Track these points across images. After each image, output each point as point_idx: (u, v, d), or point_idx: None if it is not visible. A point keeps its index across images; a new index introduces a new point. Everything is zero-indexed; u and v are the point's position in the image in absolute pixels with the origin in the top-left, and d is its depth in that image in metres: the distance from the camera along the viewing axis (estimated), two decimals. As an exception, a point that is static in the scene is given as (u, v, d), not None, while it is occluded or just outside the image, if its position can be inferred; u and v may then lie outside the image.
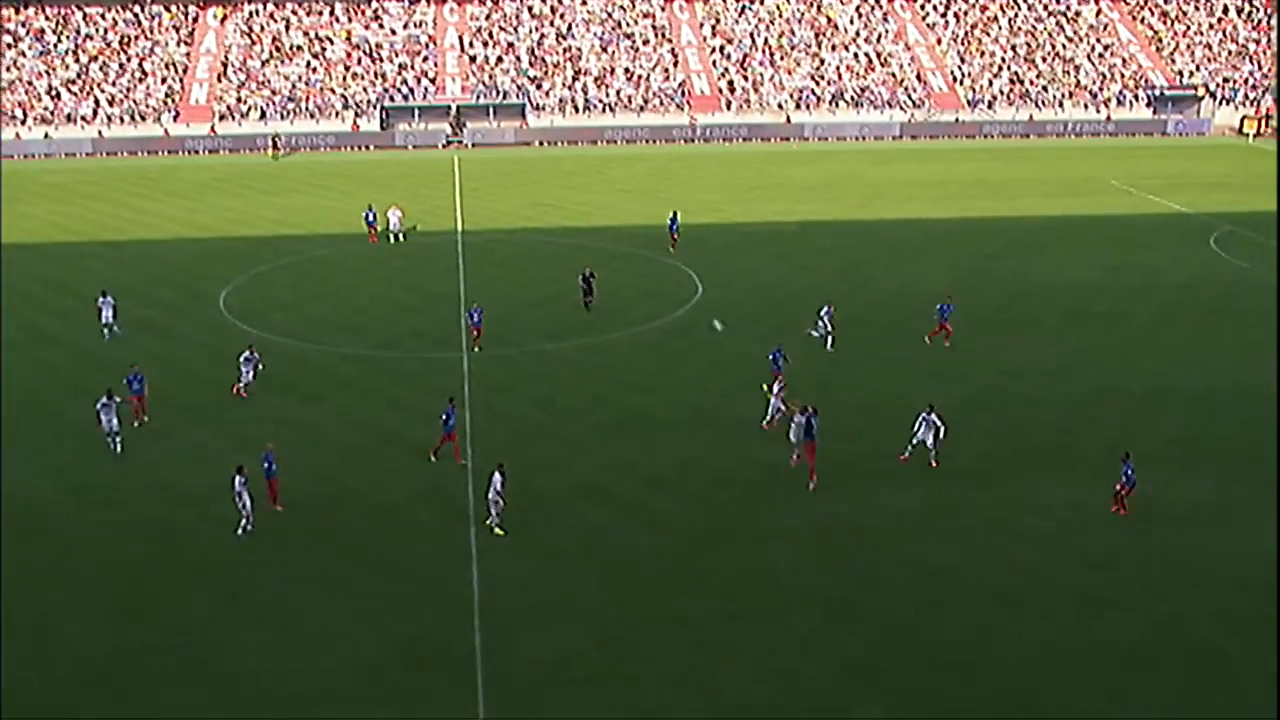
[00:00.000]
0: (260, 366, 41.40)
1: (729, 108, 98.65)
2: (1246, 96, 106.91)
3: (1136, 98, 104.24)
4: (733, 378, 42.95)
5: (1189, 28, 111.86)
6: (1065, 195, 75.77)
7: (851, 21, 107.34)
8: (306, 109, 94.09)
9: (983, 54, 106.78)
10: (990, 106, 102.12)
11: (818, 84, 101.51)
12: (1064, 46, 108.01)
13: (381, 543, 31.33)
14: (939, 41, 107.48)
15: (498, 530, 31.58)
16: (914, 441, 35.80)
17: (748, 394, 41.35)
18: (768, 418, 38.37)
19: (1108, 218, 69.47)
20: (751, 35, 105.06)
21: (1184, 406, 40.68)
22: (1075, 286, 54.75)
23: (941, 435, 35.49)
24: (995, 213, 70.25)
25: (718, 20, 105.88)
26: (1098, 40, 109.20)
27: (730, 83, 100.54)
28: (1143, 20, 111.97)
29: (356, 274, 55.94)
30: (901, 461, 35.84)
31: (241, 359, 40.94)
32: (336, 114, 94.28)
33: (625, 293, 52.84)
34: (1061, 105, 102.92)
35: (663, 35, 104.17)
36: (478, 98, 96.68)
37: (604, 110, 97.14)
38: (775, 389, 38.57)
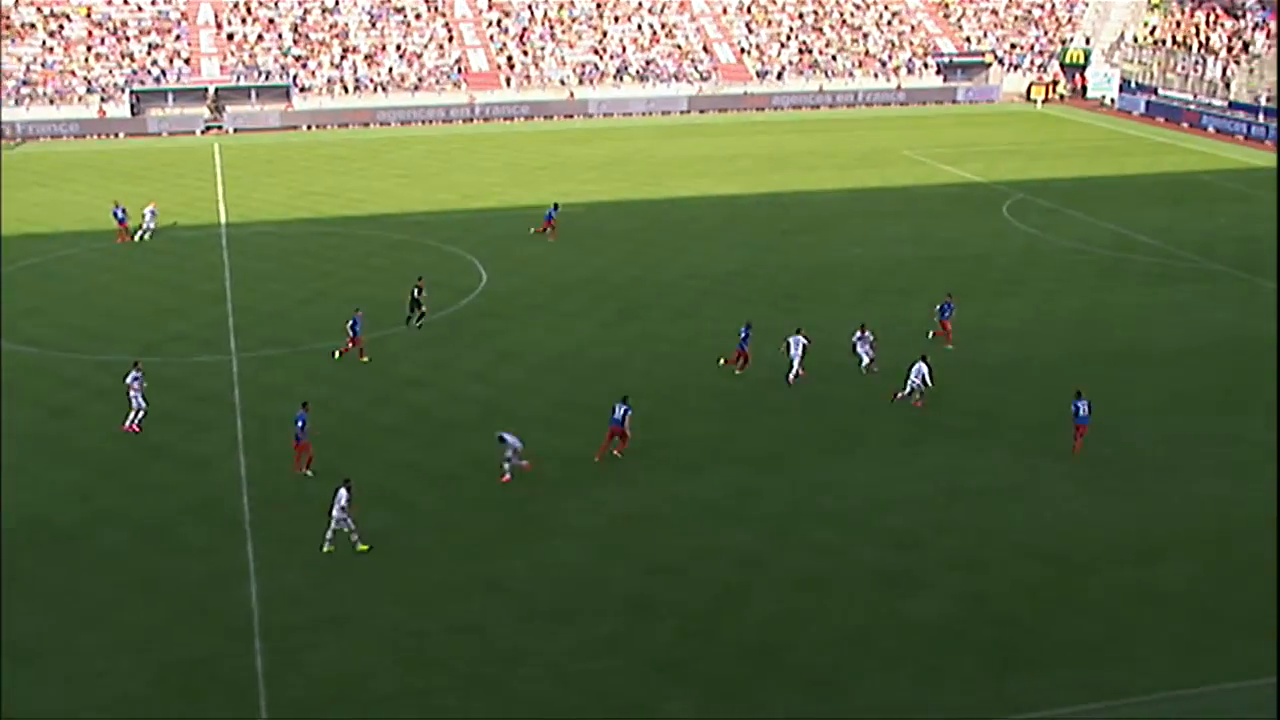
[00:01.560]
0: None
1: (509, 85, 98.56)
2: (1033, 63, 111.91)
3: (926, 65, 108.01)
4: (519, 369, 43.06)
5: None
6: (858, 167, 78.12)
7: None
8: (44, 94, 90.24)
9: (770, 23, 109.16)
10: (779, 77, 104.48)
11: (601, 58, 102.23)
12: (852, 14, 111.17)
13: (147, 565, 30.43)
14: (724, 11, 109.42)
15: (360, 547, 31.02)
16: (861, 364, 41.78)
17: (537, 386, 41.54)
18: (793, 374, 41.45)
19: (902, 189, 71.91)
20: (530, 8, 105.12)
21: (980, 379, 42.47)
22: (871, 261, 56.54)
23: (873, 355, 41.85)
24: (788, 187, 71.97)
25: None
26: (885, 8, 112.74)
27: (509, 58, 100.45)
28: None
29: (110, 274, 54.04)
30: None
31: None
32: (79, 99, 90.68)
33: (405, 284, 52.37)
34: (852, 75, 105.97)
35: (436, 9, 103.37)
36: (238, 79, 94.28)
37: (376, 90, 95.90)
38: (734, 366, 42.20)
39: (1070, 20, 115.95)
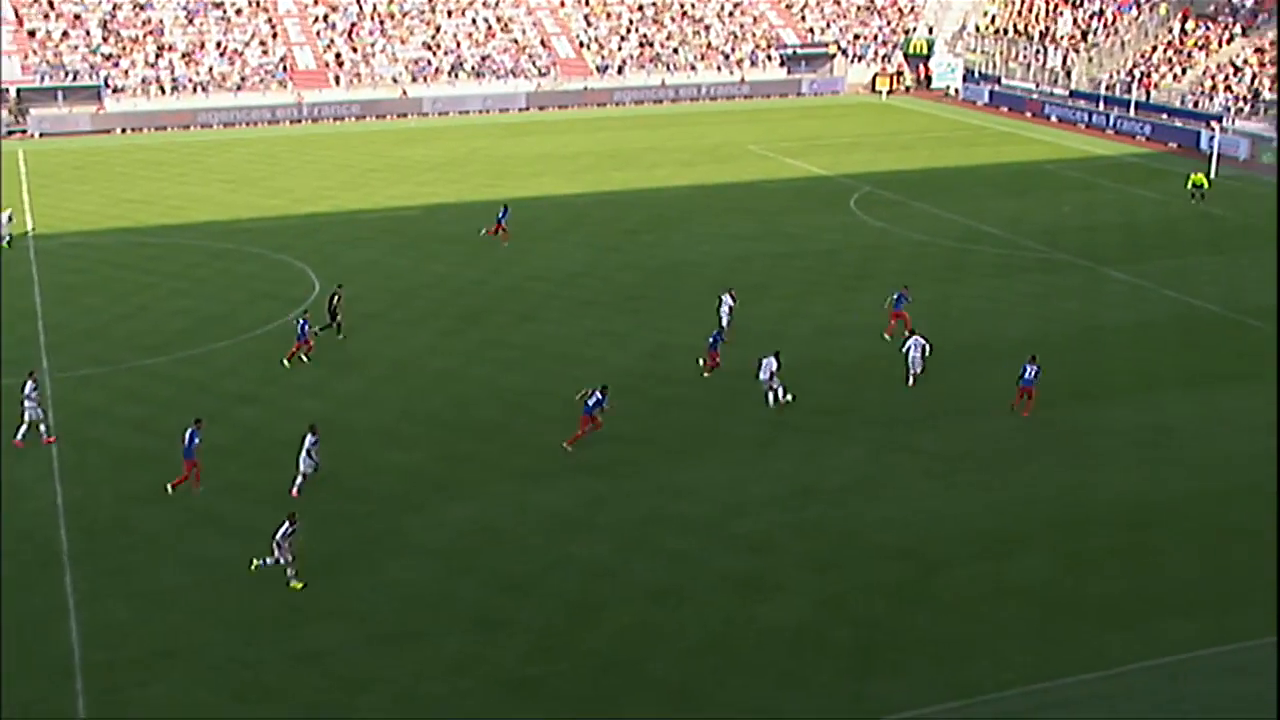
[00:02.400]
0: None
1: (338, 83, 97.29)
2: (877, 53, 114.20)
3: (769, 58, 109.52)
4: (356, 381, 42.51)
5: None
6: (703, 163, 78.83)
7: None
8: None
9: (609, 16, 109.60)
10: (620, 72, 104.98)
11: (435, 54, 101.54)
12: (693, 6, 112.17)
13: (-45, 604, 29.28)
14: (562, 4, 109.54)
15: (294, 584, 30.00)
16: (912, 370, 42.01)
17: (375, 398, 41.05)
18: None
19: (748, 184, 72.76)
20: (359, 2, 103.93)
21: (832, 375, 43.15)
22: (718, 259, 57.08)
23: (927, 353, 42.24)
24: (631, 185, 72.32)
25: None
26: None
27: (338, 55, 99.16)
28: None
29: (-95, 292, 51.97)
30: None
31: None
32: None
33: (233, 295, 51.39)
34: (694, 68, 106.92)
35: (258, 5, 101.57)
36: (43, 79, 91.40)
37: (195, 91, 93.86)
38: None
39: (913, 10, 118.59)
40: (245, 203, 67.42)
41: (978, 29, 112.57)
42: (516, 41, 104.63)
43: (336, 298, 46.62)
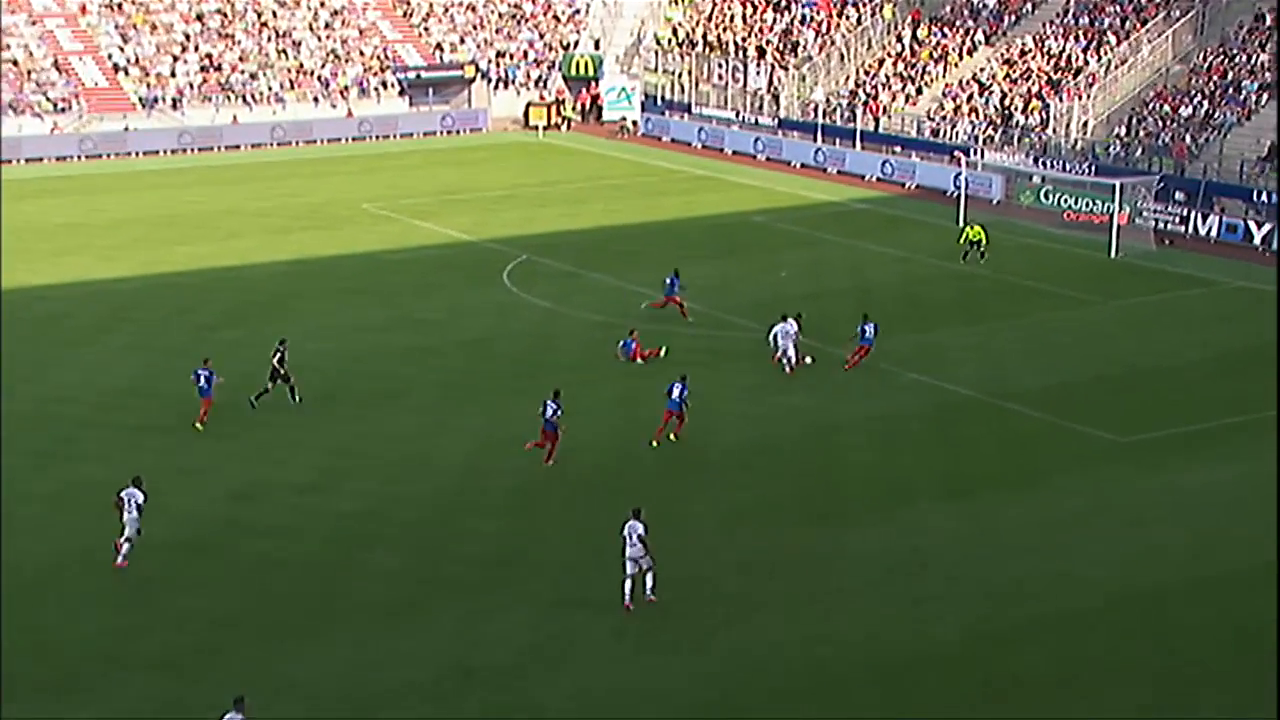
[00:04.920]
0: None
1: None
2: (529, 76, 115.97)
3: (386, 84, 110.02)
4: None
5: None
6: (302, 229, 78.45)
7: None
8: None
9: (155, 29, 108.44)
10: (176, 107, 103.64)
11: None
12: (275, 14, 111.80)
13: None
14: (84, 10, 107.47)
15: None
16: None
17: None
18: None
19: (366, 256, 72.72)
20: None
21: (489, 511, 43.08)
22: (329, 359, 56.46)
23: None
24: (203, 263, 71.33)
25: None
26: (323, 4, 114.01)
27: None
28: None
29: None
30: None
31: None
32: None
33: None
34: (280, 100, 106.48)
35: None
36: None
37: None
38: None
39: (572, 18, 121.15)
40: None
41: (659, 41, 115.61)
42: (17, 63, 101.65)
43: (279, 354, 51.23)
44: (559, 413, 45.59)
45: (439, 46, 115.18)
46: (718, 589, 38.49)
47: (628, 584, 36.93)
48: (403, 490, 44.33)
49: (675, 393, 47.51)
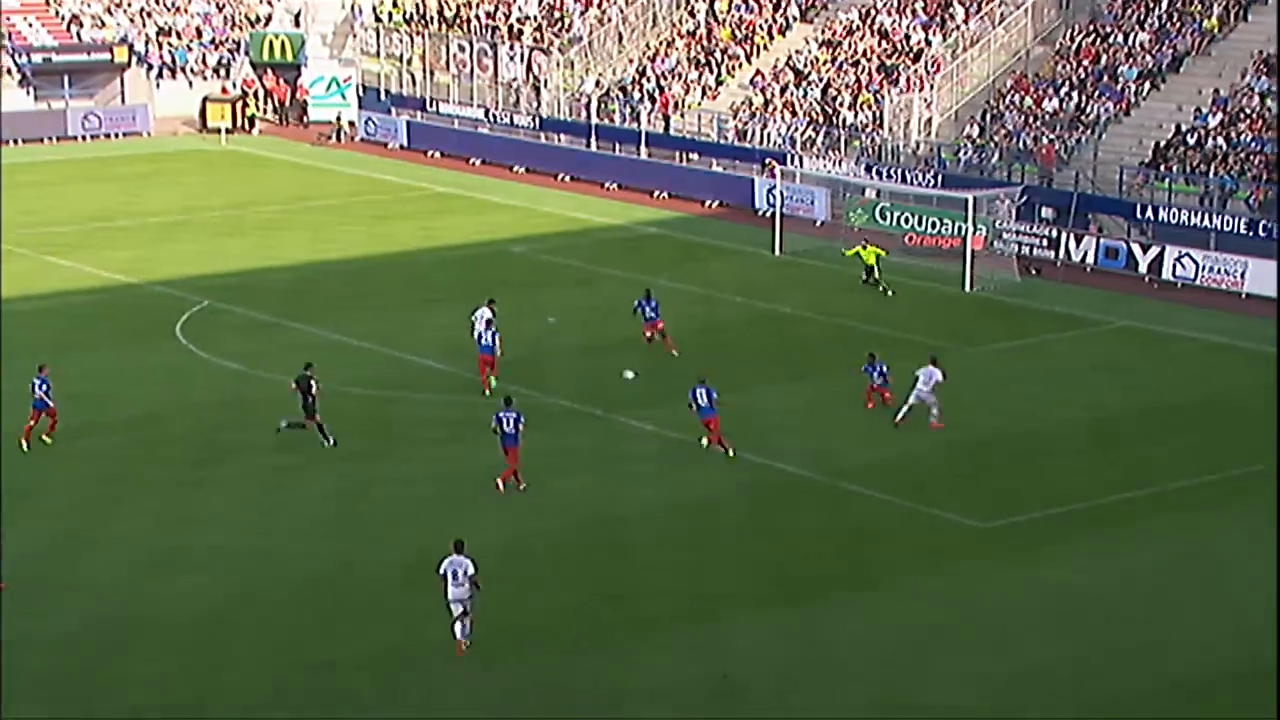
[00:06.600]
0: None
1: None
2: (204, 61, 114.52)
3: (6, 71, 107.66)
4: None
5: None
6: None
7: None
8: None
9: None
10: None
11: None
12: None
13: None
14: None
15: None
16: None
17: None
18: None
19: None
20: None
21: (166, 647, 42.03)
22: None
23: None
24: None
25: None
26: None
27: None
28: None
29: None
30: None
31: None
32: None
33: None
34: None
35: None
36: None
37: None
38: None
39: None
40: None
41: (378, 18, 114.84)
42: None
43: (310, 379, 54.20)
44: (519, 421, 50.33)
45: (75, 19, 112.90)
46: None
47: (457, 626, 39.52)
48: (33, 628, 42.70)
49: (704, 398, 52.53)
